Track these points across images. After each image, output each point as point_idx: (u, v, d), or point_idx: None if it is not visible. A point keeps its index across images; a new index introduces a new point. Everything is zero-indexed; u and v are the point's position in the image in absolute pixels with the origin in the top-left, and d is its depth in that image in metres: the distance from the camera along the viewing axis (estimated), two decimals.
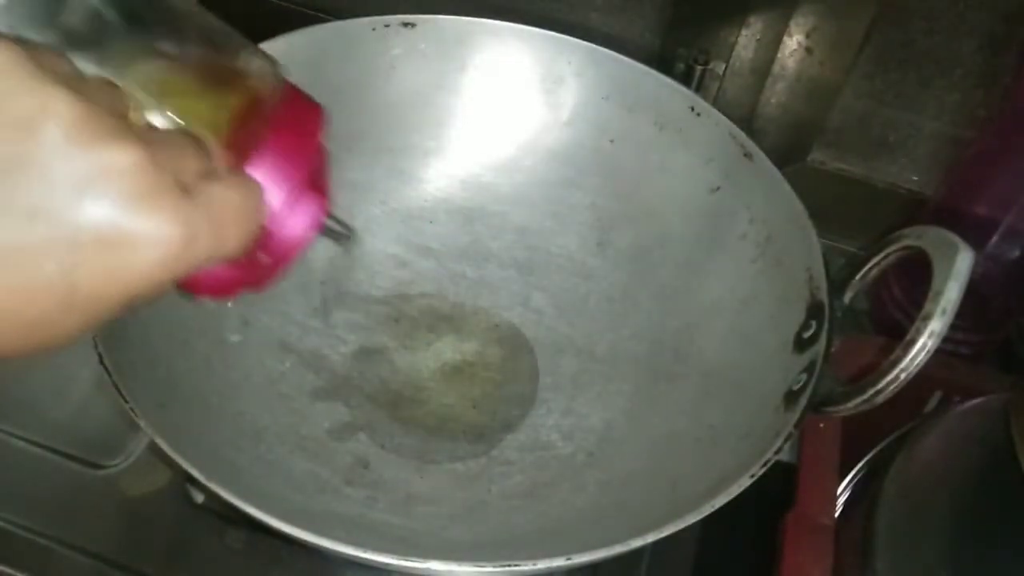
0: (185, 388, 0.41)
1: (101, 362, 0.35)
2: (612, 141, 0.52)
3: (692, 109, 0.49)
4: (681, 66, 0.57)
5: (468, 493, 0.44)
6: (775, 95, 0.59)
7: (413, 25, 0.50)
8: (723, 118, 0.48)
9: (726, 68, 0.58)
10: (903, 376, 0.35)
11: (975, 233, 0.47)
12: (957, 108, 0.56)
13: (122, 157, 0.19)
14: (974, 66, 0.54)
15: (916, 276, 0.38)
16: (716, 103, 0.51)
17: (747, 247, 0.47)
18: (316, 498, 0.41)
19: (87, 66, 0.21)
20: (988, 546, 0.36)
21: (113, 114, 0.20)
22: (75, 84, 0.19)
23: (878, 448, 0.44)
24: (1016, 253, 0.50)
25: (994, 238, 0.49)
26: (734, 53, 0.57)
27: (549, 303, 0.52)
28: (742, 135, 0.47)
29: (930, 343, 0.34)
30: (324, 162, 0.27)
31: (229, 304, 0.26)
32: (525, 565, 0.32)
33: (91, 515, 0.45)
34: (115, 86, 0.21)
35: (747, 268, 0.46)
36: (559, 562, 0.32)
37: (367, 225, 0.51)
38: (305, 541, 0.31)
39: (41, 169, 0.18)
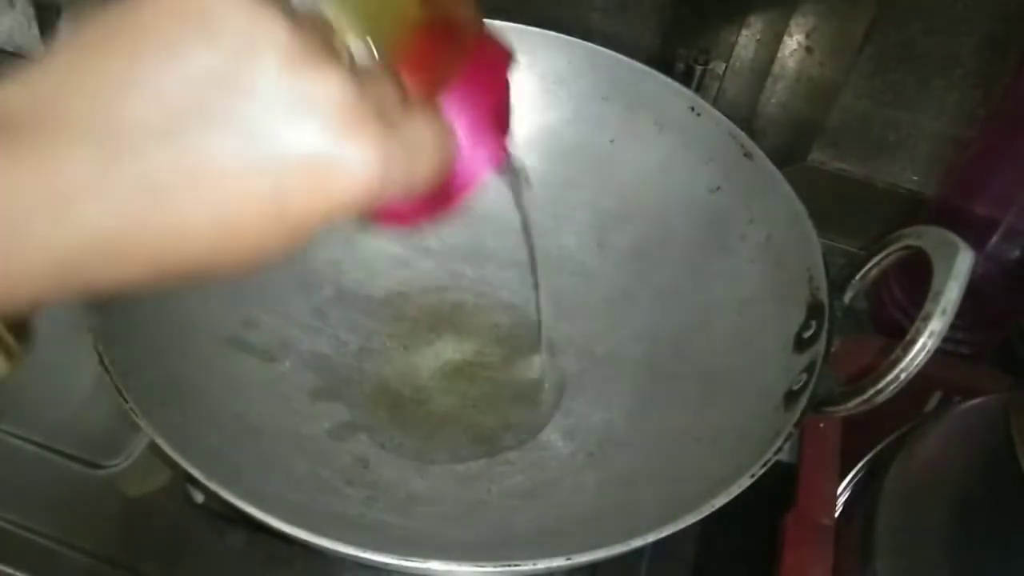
0: (185, 388, 0.41)
1: (101, 362, 0.35)
2: (612, 141, 0.52)
3: (692, 109, 0.49)
4: (681, 66, 0.57)
5: (468, 493, 0.44)
6: (775, 95, 0.59)
7: None
8: (723, 118, 0.48)
9: (726, 68, 0.58)
10: (903, 376, 0.35)
11: (975, 233, 0.47)
12: (957, 108, 0.56)
13: (332, 86, 0.20)
14: (974, 66, 0.54)
15: (916, 276, 0.38)
16: (716, 103, 0.51)
17: (747, 247, 0.47)
18: (316, 498, 0.41)
19: None
20: (988, 546, 0.36)
21: (322, 44, 0.21)
22: (287, 12, 0.20)
23: (878, 448, 0.44)
24: (1016, 253, 0.50)
25: (994, 238, 0.49)
26: (734, 53, 0.57)
27: (549, 303, 0.52)
28: (742, 135, 0.47)
29: (930, 343, 0.34)
30: (508, 101, 0.27)
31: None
32: (525, 565, 0.32)
33: (91, 515, 0.45)
34: (320, 14, 0.22)
35: (747, 268, 0.46)
36: (559, 562, 0.32)
37: (367, 225, 0.51)
38: (305, 541, 0.31)
39: (257, 92, 0.19)
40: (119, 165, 0.19)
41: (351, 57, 0.23)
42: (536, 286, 0.46)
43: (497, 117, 0.27)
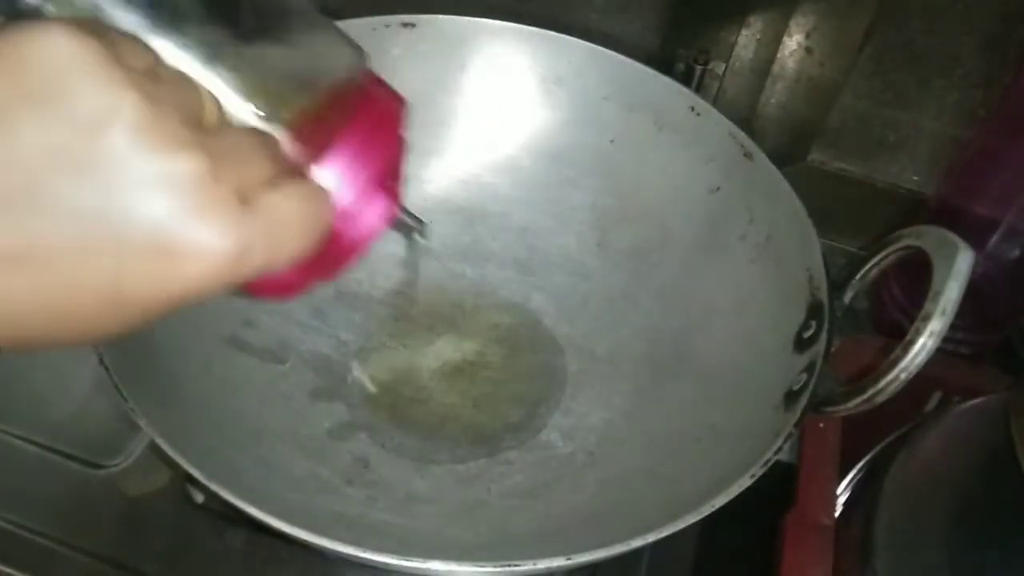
0: (185, 388, 0.41)
1: (101, 362, 0.35)
2: (612, 141, 0.52)
3: (692, 109, 0.49)
4: (681, 66, 0.57)
5: (468, 493, 0.44)
6: (775, 95, 0.59)
7: (413, 25, 0.50)
8: (723, 118, 0.48)
9: (726, 68, 0.58)
10: (903, 376, 0.35)
11: (975, 233, 0.47)
12: (957, 108, 0.56)
13: (183, 166, 0.19)
14: (974, 66, 0.54)
15: (916, 276, 0.38)
16: (716, 103, 0.51)
17: (747, 247, 0.47)
18: (316, 498, 0.41)
19: (167, 51, 0.21)
20: (988, 546, 0.36)
21: (183, 116, 0.19)
22: (147, 82, 0.19)
23: (878, 448, 0.44)
24: (1016, 253, 0.50)
25: (994, 238, 0.49)
26: (734, 53, 0.57)
27: (549, 303, 0.52)
28: (742, 135, 0.47)
29: (930, 343, 0.34)
30: (401, 154, 0.26)
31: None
32: (525, 565, 0.32)
33: (91, 515, 0.45)
34: (189, 80, 0.21)
35: (747, 268, 0.46)
36: (559, 562, 0.32)
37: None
38: (305, 541, 0.31)
39: (100, 170, 0.18)
40: None
41: (220, 121, 0.22)
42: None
43: (388, 170, 0.25)
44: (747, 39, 0.57)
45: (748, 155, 0.47)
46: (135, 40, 0.20)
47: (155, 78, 0.20)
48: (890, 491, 0.39)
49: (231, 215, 0.20)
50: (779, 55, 0.57)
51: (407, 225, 0.29)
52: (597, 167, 0.52)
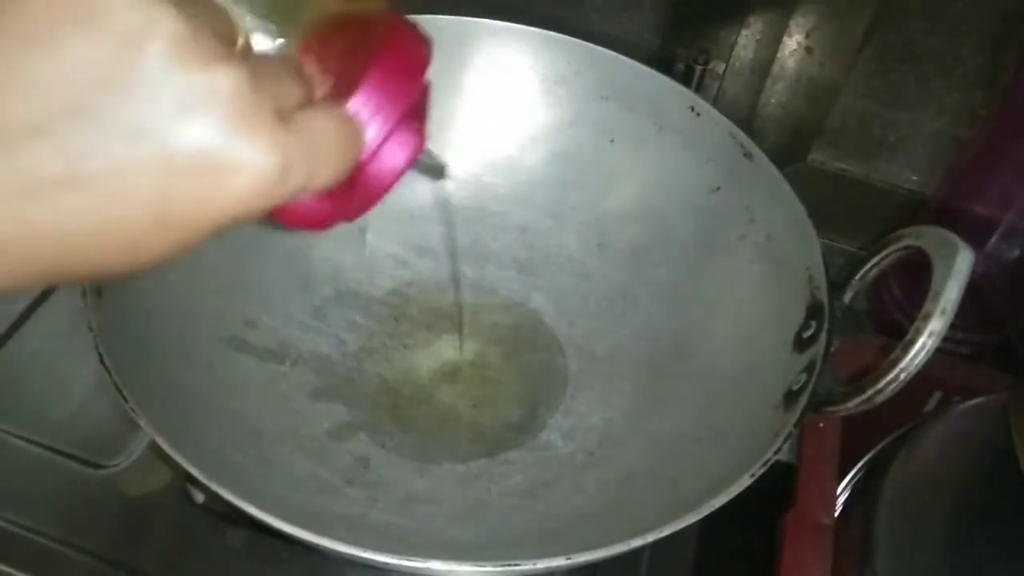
0: (185, 388, 0.41)
1: (101, 362, 0.35)
2: (612, 141, 0.52)
3: (692, 109, 0.49)
4: (681, 66, 0.57)
5: (468, 493, 0.44)
6: (775, 95, 0.59)
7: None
8: (723, 118, 0.48)
9: (726, 68, 0.58)
10: (903, 376, 0.35)
11: (975, 233, 0.47)
12: (957, 108, 0.57)
13: (223, 81, 0.19)
14: (974, 66, 0.55)
15: (916, 276, 0.38)
16: (716, 103, 0.51)
17: (747, 247, 0.47)
18: (316, 498, 0.41)
19: None
20: (988, 546, 0.36)
21: (216, 35, 0.19)
22: (181, 2, 0.19)
23: (878, 448, 0.44)
24: (1016, 253, 0.50)
25: (994, 238, 0.49)
26: (734, 53, 0.57)
27: (549, 303, 0.52)
28: (742, 135, 0.47)
29: (930, 343, 0.34)
30: (426, 95, 0.26)
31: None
32: (525, 565, 0.32)
33: (91, 515, 0.45)
34: (218, 5, 0.21)
35: (747, 268, 0.46)
36: (559, 562, 0.32)
37: (366, 224, 0.51)
38: (305, 541, 0.31)
39: (142, 88, 0.18)
40: None
41: (249, 48, 0.21)
42: (457, 277, 0.44)
43: (413, 109, 0.25)
44: (747, 39, 0.57)
45: (748, 155, 0.47)
46: None
47: (188, 1, 0.20)
48: (890, 491, 0.39)
49: (273, 130, 0.19)
50: (779, 55, 0.57)
51: (429, 166, 0.29)
52: (597, 167, 0.52)
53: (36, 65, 0.18)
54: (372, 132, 0.24)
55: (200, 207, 0.19)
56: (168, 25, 0.18)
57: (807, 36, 0.56)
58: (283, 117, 0.20)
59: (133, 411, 0.34)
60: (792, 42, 0.57)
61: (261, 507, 0.32)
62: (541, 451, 0.46)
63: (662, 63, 0.56)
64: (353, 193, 0.24)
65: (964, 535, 0.37)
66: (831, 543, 0.39)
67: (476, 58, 0.51)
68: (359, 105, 0.23)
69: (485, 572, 0.32)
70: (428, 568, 0.32)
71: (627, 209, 0.52)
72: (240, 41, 0.21)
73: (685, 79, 0.55)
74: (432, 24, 0.50)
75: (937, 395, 0.47)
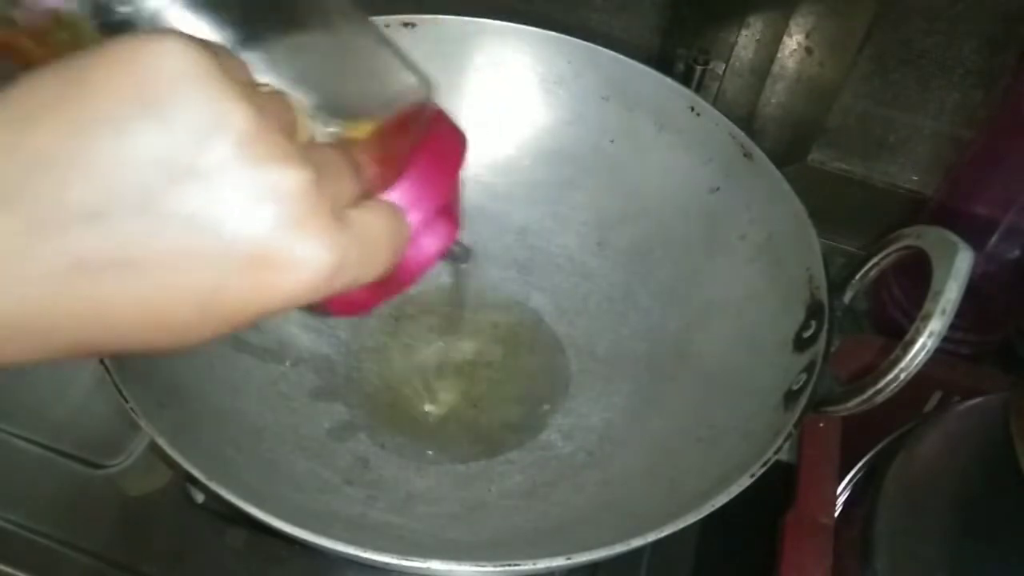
0: (185, 388, 0.41)
1: (101, 362, 0.35)
2: (612, 141, 0.52)
3: (692, 109, 0.49)
4: (681, 66, 0.57)
5: (468, 493, 0.44)
6: (775, 95, 0.59)
7: (413, 25, 0.50)
8: (723, 118, 0.48)
9: (726, 68, 0.58)
10: (903, 376, 0.35)
11: (975, 233, 0.47)
12: (957, 108, 0.57)
13: (289, 180, 0.19)
14: (974, 66, 0.55)
15: (916, 276, 0.38)
16: (716, 103, 0.51)
17: (747, 247, 0.47)
18: (316, 498, 0.41)
19: (255, 66, 0.21)
20: (988, 546, 0.36)
21: (283, 130, 0.20)
22: (251, 94, 0.19)
23: (878, 448, 0.44)
24: (1016, 253, 0.50)
25: (994, 238, 0.49)
26: (734, 53, 0.57)
27: (549, 303, 0.52)
28: (742, 135, 0.47)
29: (930, 343, 0.34)
30: (458, 188, 0.27)
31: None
32: (525, 565, 0.32)
33: (91, 515, 0.45)
34: (283, 95, 0.21)
35: (747, 268, 0.46)
36: (559, 562, 0.32)
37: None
38: (305, 541, 0.31)
39: (206, 180, 0.18)
40: (43, 242, 0.17)
41: (311, 142, 0.22)
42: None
43: (450, 202, 0.26)
44: (747, 39, 0.57)
45: (748, 155, 0.47)
46: (231, 53, 0.21)
47: (255, 89, 0.20)
48: (890, 491, 0.39)
49: (331, 230, 0.20)
50: (779, 55, 0.57)
51: (457, 255, 0.30)
52: (597, 167, 0.52)
53: (103, 151, 0.18)
54: (414, 220, 0.24)
55: (249, 300, 0.19)
56: (239, 120, 0.18)
57: (807, 36, 0.56)
58: (340, 215, 0.20)
59: (133, 411, 0.34)
60: (792, 42, 0.57)
61: (261, 507, 0.32)
62: (541, 451, 0.46)
63: (662, 63, 0.56)
64: (391, 278, 0.25)
65: (964, 535, 0.37)
66: (831, 543, 0.39)
67: (476, 58, 0.51)
68: (404, 193, 0.24)
69: (485, 572, 0.32)
70: (428, 568, 0.32)
71: (627, 209, 0.52)
72: (301, 132, 0.22)
73: (685, 79, 0.55)
74: (432, 24, 0.50)
75: (937, 395, 0.47)
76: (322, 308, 0.24)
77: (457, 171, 0.26)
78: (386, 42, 0.25)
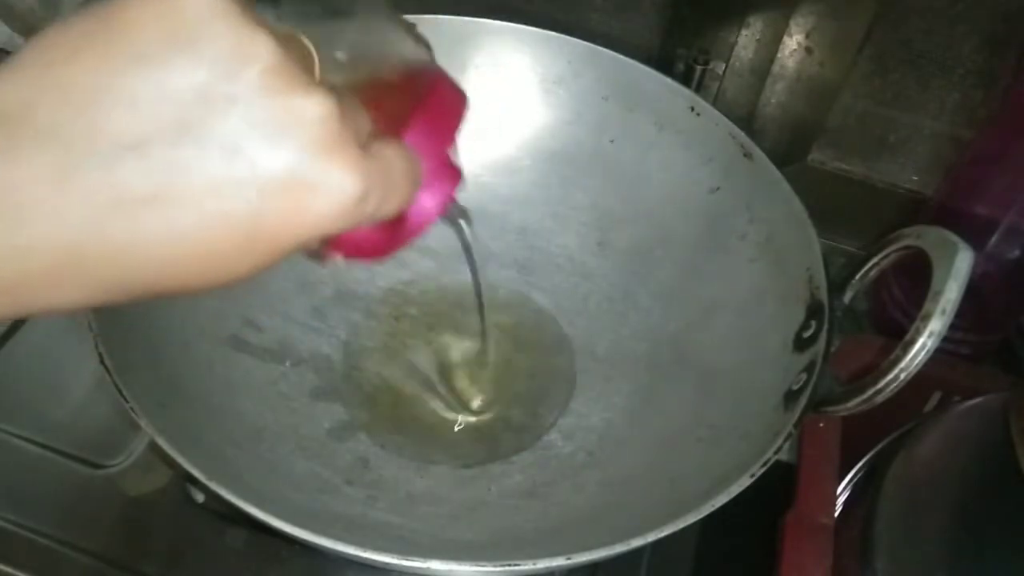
0: (185, 388, 0.41)
1: (101, 362, 0.35)
2: (612, 141, 0.52)
3: (692, 109, 0.49)
4: (681, 66, 0.57)
5: (468, 493, 0.44)
6: (775, 95, 0.59)
7: (413, 25, 0.49)
8: (723, 118, 0.48)
9: (726, 68, 0.58)
10: (903, 376, 0.35)
11: (975, 233, 0.47)
12: (957, 108, 0.56)
13: (315, 106, 0.20)
14: (974, 66, 0.54)
15: (916, 276, 0.38)
16: (716, 103, 0.51)
17: (747, 247, 0.47)
18: (316, 498, 0.41)
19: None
20: (987, 546, 0.36)
21: (302, 65, 0.20)
22: (272, 31, 0.20)
23: (878, 448, 0.44)
24: (1016, 253, 0.50)
25: (994, 238, 0.49)
26: (734, 53, 0.57)
27: (549, 303, 0.52)
28: (742, 135, 0.47)
29: (930, 343, 0.34)
30: (456, 149, 0.27)
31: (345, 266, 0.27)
32: (525, 565, 0.32)
33: (91, 515, 0.45)
34: (301, 41, 0.22)
35: (747, 268, 0.46)
36: (559, 562, 0.32)
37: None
38: (305, 540, 0.31)
39: (240, 108, 0.19)
40: (83, 175, 0.18)
41: (325, 81, 0.23)
42: (482, 318, 0.46)
43: (451, 156, 0.27)
44: (747, 39, 0.57)
45: (748, 155, 0.47)
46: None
47: (275, 31, 0.20)
48: (890, 491, 0.39)
49: (356, 155, 0.20)
50: (779, 55, 0.57)
51: (458, 214, 0.30)
52: (597, 167, 0.52)
53: (140, 84, 0.18)
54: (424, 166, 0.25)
55: (286, 225, 0.20)
56: (266, 51, 0.19)
57: (807, 36, 0.56)
58: (363, 145, 0.21)
59: (133, 411, 0.34)
60: (792, 42, 0.57)
61: (261, 507, 0.32)
62: (541, 451, 0.46)
63: (662, 63, 0.56)
64: (401, 226, 0.26)
65: (964, 535, 0.37)
66: (831, 543, 0.39)
67: (476, 58, 0.51)
68: (411, 141, 0.25)
69: (485, 572, 0.32)
70: (428, 568, 0.32)
71: (627, 209, 0.52)
72: (317, 74, 0.22)
73: (685, 79, 0.55)
74: (432, 24, 0.50)
75: (937, 395, 0.47)
76: (340, 248, 0.25)
77: (458, 125, 0.27)
78: (386, 7, 0.26)
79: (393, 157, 0.22)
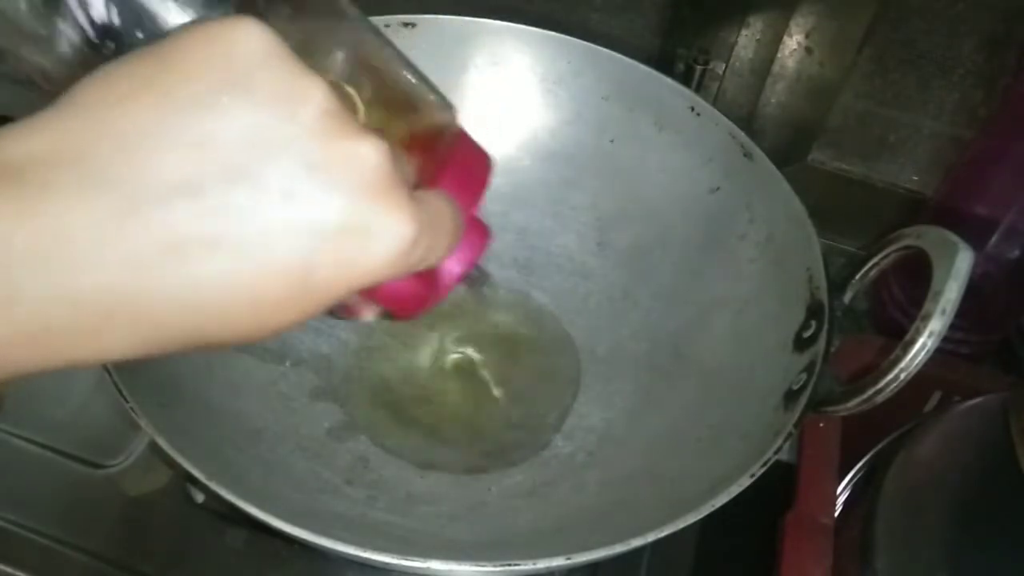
0: (186, 388, 0.41)
1: None
2: (612, 141, 0.52)
3: (692, 109, 0.49)
4: (681, 66, 0.57)
5: (468, 493, 0.44)
6: (775, 95, 0.59)
7: (413, 25, 0.50)
8: (723, 118, 0.48)
9: (726, 68, 0.58)
10: (903, 376, 0.35)
11: (975, 233, 0.47)
12: (957, 108, 0.56)
13: (370, 150, 0.19)
14: (974, 66, 0.54)
15: (916, 276, 0.38)
16: (716, 103, 0.51)
17: (747, 247, 0.47)
18: (316, 498, 0.41)
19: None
20: (987, 546, 0.36)
21: (350, 111, 0.20)
22: (321, 75, 0.20)
23: (878, 448, 0.44)
24: (1016, 253, 0.50)
25: (994, 238, 0.49)
26: (734, 53, 0.57)
27: (549, 303, 0.52)
28: (742, 135, 0.47)
29: (930, 343, 0.34)
30: (484, 233, 0.28)
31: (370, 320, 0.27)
32: (525, 565, 0.32)
33: (91, 515, 0.45)
34: (344, 87, 0.22)
35: (747, 268, 0.46)
36: (559, 562, 0.32)
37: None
38: (305, 541, 0.31)
39: (296, 152, 0.19)
40: (137, 219, 0.17)
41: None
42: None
43: (477, 219, 0.27)
44: (747, 39, 0.57)
45: (748, 155, 0.47)
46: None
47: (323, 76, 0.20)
48: (890, 491, 0.39)
49: (408, 201, 0.20)
50: (779, 55, 0.57)
51: (476, 277, 0.31)
52: (597, 167, 0.52)
53: (193, 127, 0.18)
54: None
55: (338, 272, 0.20)
56: (320, 94, 0.19)
57: (807, 36, 0.56)
58: (409, 191, 0.21)
59: (133, 411, 0.34)
60: (792, 42, 0.56)
61: (261, 507, 0.32)
62: (541, 451, 0.46)
63: (662, 63, 0.56)
64: (435, 280, 0.26)
65: (964, 535, 0.37)
66: (831, 543, 0.39)
67: (476, 58, 0.51)
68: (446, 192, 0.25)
69: (485, 572, 0.32)
70: (428, 568, 0.32)
71: (627, 209, 0.52)
72: (362, 120, 0.22)
73: (685, 79, 0.55)
74: (432, 24, 0.50)
75: (937, 395, 0.47)
76: (378, 300, 0.25)
77: (485, 185, 0.27)
78: (411, 64, 0.26)
79: (439, 203, 0.22)
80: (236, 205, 0.18)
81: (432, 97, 0.26)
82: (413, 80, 0.26)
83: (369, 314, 0.25)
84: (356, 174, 0.19)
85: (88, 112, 0.18)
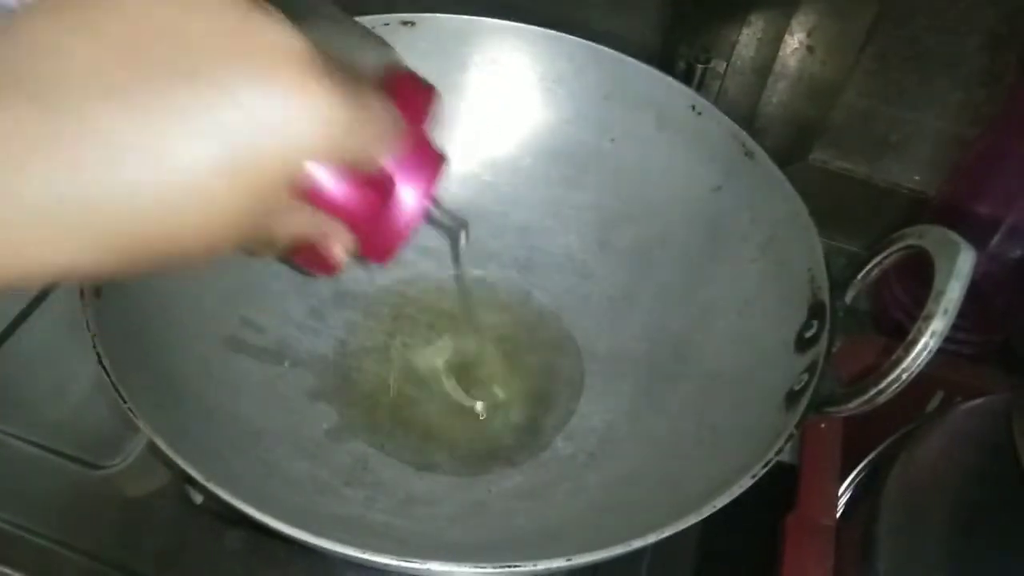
0: (184, 388, 0.41)
1: (99, 362, 0.35)
2: (613, 140, 0.51)
3: (693, 108, 0.49)
4: (682, 65, 0.57)
5: (468, 494, 0.44)
6: (776, 94, 0.59)
7: (413, 24, 0.49)
8: (724, 117, 0.48)
9: (727, 67, 0.58)
10: (905, 376, 0.35)
11: (977, 232, 0.47)
12: (960, 107, 0.56)
13: (288, 35, 0.20)
14: (977, 64, 0.54)
15: (918, 276, 0.38)
16: (717, 102, 0.50)
17: (748, 247, 0.46)
18: (315, 499, 0.41)
19: None
20: (989, 546, 0.36)
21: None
22: None
23: (880, 448, 0.44)
24: (1018, 252, 0.50)
25: (996, 237, 0.49)
26: (735, 52, 0.57)
27: (550, 303, 0.51)
28: (743, 134, 0.47)
29: (932, 343, 0.34)
30: (438, 159, 0.28)
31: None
32: (525, 566, 0.32)
33: (90, 515, 0.45)
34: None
35: (748, 268, 0.46)
36: (559, 563, 0.32)
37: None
38: (304, 542, 0.31)
39: (209, 39, 0.19)
40: (67, 123, 0.18)
41: None
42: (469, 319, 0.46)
43: (432, 147, 0.27)
44: (749, 38, 0.57)
45: (749, 154, 0.47)
46: None
47: None
48: (892, 492, 0.39)
49: (332, 90, 0.21)
50: (781, 54, 0.57)
51: (448, 221, 0.32)
52: (598, 166, 0.52)
53: (105, 22, 0.19)
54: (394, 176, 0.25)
55: (266, 157, 0.20)
56: None
57: (809, 35, 0.56)
58: (341, 83, 0.21)
59: (131, 412, 0.34)
60: (794, 40, 0.56)
61: (260, 508, 0.32)
62: (541, 451, 0.46)
63: (663, 62, 0.56)
64: (394, 206, 0.26)
65: (966, 536, 0.37)
66: (832, 544, 0.39)
67: (476, 57, 0.51)
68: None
69: (485, 573, 0.31)
70: (427, 569, 0.31)
71: (627, 209, 0.51)
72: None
73: (686, 78, 0.55)
74: (432, 22, 0.50)
75: (939, 395, 0.47)
76: (337, 216, 0.24)
77: (429, 104, 0.27)
78: (347, 18, 0.27)
79: (375, 102, 0.23)
80: (154, 96, 0.19)
81: (368, 42, 0.27)
82: (346, 29, 0.27)
83: (338, 251, 0.25)
84: (273, 56, 0.20)
85: (21, 29, 0.19)
